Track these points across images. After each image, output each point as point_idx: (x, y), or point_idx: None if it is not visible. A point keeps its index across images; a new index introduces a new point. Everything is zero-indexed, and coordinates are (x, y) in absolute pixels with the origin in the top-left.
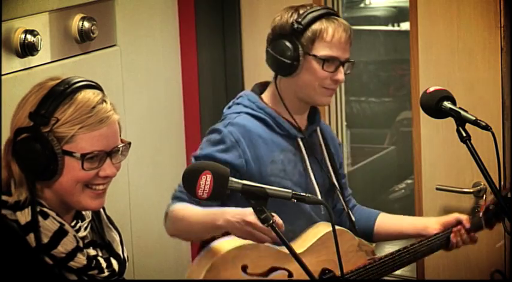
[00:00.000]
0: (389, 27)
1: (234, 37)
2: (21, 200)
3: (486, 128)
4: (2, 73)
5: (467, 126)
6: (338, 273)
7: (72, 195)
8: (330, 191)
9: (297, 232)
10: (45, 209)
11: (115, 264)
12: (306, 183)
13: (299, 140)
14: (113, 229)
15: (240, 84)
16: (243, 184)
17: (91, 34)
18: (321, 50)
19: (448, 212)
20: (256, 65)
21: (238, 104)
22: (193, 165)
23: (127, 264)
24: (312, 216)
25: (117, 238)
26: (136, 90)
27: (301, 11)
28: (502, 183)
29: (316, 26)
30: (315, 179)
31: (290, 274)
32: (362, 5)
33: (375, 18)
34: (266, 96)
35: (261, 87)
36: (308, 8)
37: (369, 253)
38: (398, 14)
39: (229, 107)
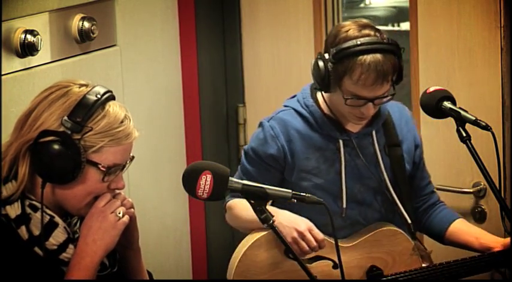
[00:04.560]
0: (389, 27)
1: (234, 37)
2: (10, 195)
3: (486, 128)
4: (2, 73)
5: (467, 126)
6: (387, 272)
7: (78, 203)
8: (382, 192)
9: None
10: (34, 202)
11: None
12: (341, 183)
13: (340, 141)
14: None
15: (240, 84)
16: (243, 184)
17: (91, 34)
18: (347, 86)
19: None
20: (256, 65)
21: (294, 97)
22: (193, 165)
23: (117, 255)
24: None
25: None
26: (136, 90)
27: (344, 38)
28: (502, 183)
29: (347, 63)
30: (359, 180)
31: (335, 265)
32: (362, 5)
33: (374, 18)
34: (323, 94)
35: None
36: (352, 37)
37: (426, 258)
38: (398, 14)
39: (291, 98)
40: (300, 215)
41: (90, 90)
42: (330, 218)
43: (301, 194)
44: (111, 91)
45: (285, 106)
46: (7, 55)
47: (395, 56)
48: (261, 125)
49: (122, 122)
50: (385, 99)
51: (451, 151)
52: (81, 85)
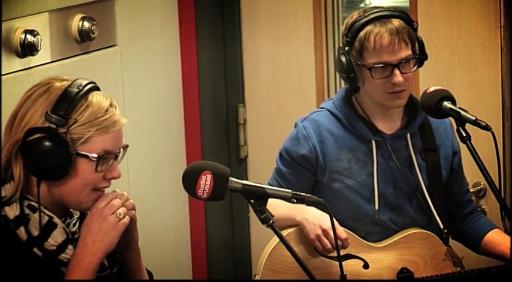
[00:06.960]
0: None
1: (234, 37)
2: (9, 196)
3: (486, 128)
4: (2, 73)
5: (467, 126)
6: (418, 275)
7: (77, 197)
8: (415, 197)
9: (361, 230)
10: (33, 203)
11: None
12: (373, 185)
13: (373, 142)
14: None
15: (240, 84)
16: (243, 184)
17: (91, 34)
18: (369, 59)
19: None
20: (256, 65)
21: (331, 99)
22: (193, 165)
23: (117, 256)
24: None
25: None
26: (136, 90)
27: (353, 19)
28: (502, 183)
29: (360, 35)
30: (392, 183)
31: (365, 264)
32: (362, 5)
33: None
34: (357, 95)
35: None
36: (360, 14)
37: (458, 264)
38: None
39: (327, 101)
40: None
41: (72, 83)
42: (331, 219)
43: (301, 194)
44: (94, 82)
45: (321, 108)
46: (7, 55)
47: (406, 22)
48: (295, 125)
49: (106, 110)
50: (410, 65)
51: None
52: (63, 80)
